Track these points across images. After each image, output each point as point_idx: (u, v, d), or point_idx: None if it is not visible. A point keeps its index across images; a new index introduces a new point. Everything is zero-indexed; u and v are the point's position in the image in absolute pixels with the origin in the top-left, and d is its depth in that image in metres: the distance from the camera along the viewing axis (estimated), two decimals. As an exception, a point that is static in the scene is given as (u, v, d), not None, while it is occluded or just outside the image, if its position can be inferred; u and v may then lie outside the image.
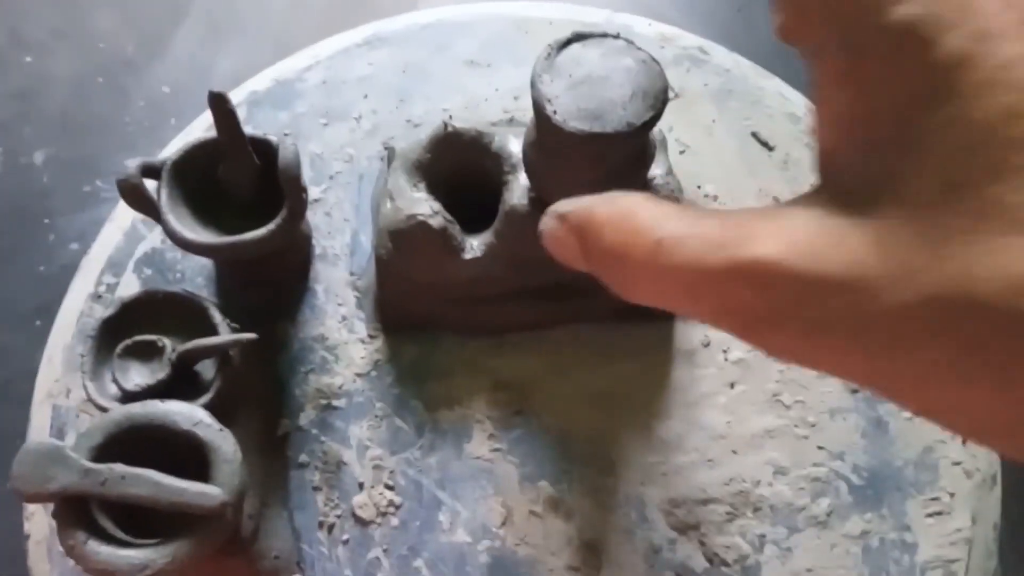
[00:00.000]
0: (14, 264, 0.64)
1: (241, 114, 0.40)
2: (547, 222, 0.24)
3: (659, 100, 0.29)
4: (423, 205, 0.36)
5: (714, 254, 0.18)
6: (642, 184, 0.35)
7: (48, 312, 0.44)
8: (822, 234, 0.17)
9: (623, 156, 0.32)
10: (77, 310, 0.41)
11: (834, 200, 0.17)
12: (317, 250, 0.41)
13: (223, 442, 0.31)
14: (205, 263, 0.41)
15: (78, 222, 0.65)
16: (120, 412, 0.32)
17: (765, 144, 0.43)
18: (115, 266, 0.42)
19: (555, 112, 0.29)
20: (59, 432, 0.39)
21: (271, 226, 0.36)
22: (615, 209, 0.21)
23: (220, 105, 0.35)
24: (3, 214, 0.66)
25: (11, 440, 0.41)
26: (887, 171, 0.16)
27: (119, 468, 0.30)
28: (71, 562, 0.35)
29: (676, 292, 0.19)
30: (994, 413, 0.16)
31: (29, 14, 0.74)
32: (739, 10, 0.57)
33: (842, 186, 0.18)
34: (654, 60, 0.30)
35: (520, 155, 0.36)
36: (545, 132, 0.31)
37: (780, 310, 0.17)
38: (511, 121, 0.43)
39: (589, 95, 0.30)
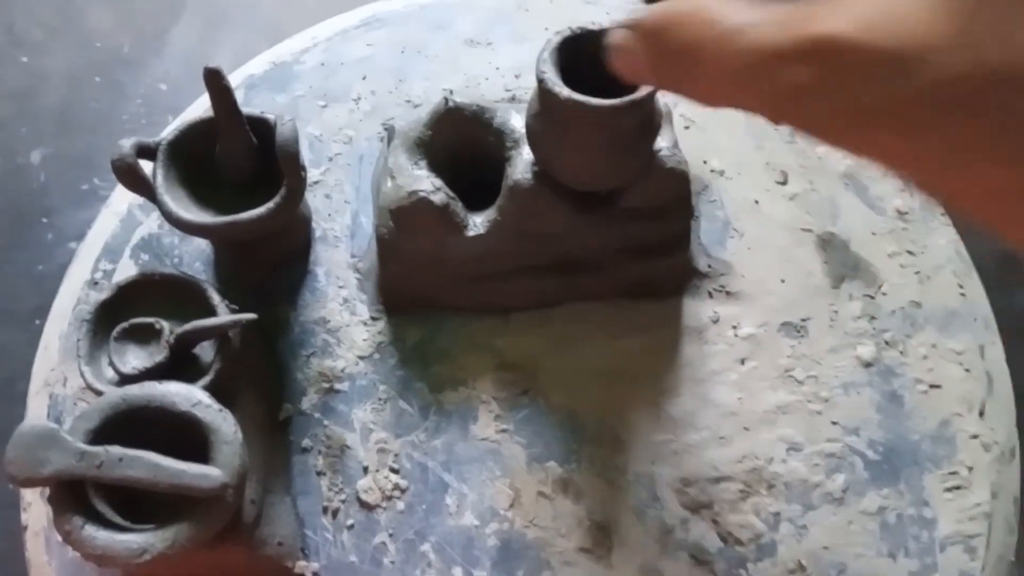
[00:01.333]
0: (13, 264, 0.63)
1: (238, 98, 0.39)
2: (616, 34, 0.24)
3: None
4: (424, 182, 0.35)
5: (779, 35, 0.19)
6: (648, 155, 0.34)
7: (47, 311, 0.43)
8: (886, 10, 0.17)
9: (628, 124, 0.31)
10: (73, 297, 0.40)
11: None
12: (317, 232, 0.41)
13: (223, 422, 0.30)
14: (203, 248, 0.41)
15: (76, 221, 0.65)
16: (117, 394, 0.31)
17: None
18: (111, 252, 0.41)
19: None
20: (56, 421, 0.38)
21: (270, 205, 0.35)
22: (688, 6, 0.22)
23: (215, 81, 0.34)
24: (1, 214, 0.65)
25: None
26: None
27: (116, 450, 0.29)
28: (70, 553, 0.35)
29: (738, 79, 0.20)
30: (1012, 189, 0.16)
31: (25, 13, 0.74)
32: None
33: None
34: None
35: (523, 130, 0.35)
36: (549, 102, 0.31)
37: (838, 84, 0.18)
38: (513, 100, 0.43)
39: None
